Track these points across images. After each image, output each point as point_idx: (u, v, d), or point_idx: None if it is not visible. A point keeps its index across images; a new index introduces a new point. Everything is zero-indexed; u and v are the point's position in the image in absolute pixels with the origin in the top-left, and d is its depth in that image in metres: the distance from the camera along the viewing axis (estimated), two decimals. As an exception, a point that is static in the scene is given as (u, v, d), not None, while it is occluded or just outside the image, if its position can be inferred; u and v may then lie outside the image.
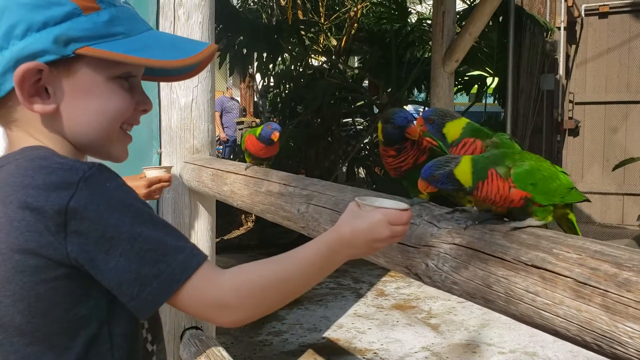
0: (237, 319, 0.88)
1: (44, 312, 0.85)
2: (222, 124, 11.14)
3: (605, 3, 7.00)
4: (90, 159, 0.99)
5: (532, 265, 0.92)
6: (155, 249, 0.84)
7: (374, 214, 0.92)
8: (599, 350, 0.85)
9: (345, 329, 4.21)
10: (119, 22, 0.91)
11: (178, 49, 0.93)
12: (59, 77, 0.90)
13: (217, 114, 11.17)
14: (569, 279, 0.86)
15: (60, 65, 0.89)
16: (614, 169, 6.64)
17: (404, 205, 0.94)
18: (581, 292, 0.84)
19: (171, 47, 0.94)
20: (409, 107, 8.53)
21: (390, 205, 0.93)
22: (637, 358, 0.78)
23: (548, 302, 0.89)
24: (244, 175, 2.05)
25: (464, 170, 1.02)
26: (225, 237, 6.93)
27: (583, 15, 7.12)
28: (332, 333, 4.13)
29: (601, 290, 0.82)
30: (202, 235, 2.65)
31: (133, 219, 0.84)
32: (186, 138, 2.59)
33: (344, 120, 7.84)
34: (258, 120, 10.51)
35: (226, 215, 6.90)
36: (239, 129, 10.46)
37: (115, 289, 0.84)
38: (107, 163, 0.94)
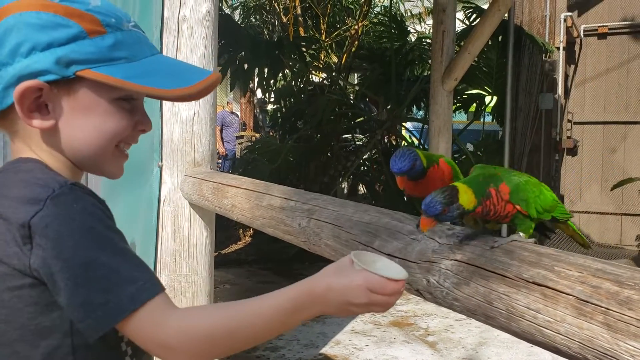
0: None
1: (8, 319, 0.87)
2: (222, 139, 11.18)
3: (604, 24, 7.07)
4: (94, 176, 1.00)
5: (533, 283, 0.92)
6: (108, 277, 0.83)
7: (355, 275, 0.85)
8: (600, 369, 0.85)
9: (342, 345, 4.18)
10: (123, 46, 0.93)
11: (178, 77, 0.95)
12: (60, 96, 0.92)
13: (218, 129, 11.21)
14: (570, 296, 0.87)
15: (61, 84, 0.91)
16: (612, 189, 6.66)
17: (399, 275, 0.86)
18: (583, 310, 0.85)
19: (171, 75, 0.95)
20: (409, 125, 8.56)
21: (382, 272, 0.86)
22: (638, 376, 0.78)
23: (549, 319, 0.89)
24: (245, 189, 2.06)
25: (467, 198, 1.05)
26: (223, 252, 6.91)
27: (582, 36, 7.18)
28: (329, 349, 4.10)
29: (603, 309, 0.83)
30: (200, 249, 2.65)
31: (91, 242, 0.84)
32: (187, 151, 2.60)
33: (344, 136, 7.87)
34: (258, 135, 10.54)
35: (224, 229, 6.89)
36: (239, 144, 10.49)
37: (65, 308, 0.85)
38: (104, 180, 0.95)
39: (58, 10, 0.90)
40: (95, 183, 2.50)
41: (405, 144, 7.99)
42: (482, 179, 1.09)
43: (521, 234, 1.10)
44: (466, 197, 1.04)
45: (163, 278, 2.58)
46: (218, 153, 10.80)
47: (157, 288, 0.87)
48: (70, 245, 0.83)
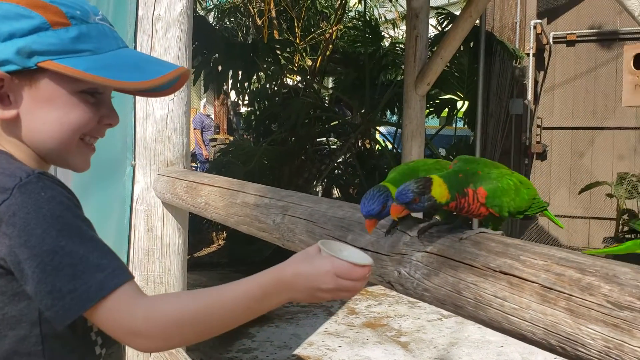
0: (149, 348, 0.88)
1: None
2: (203, 142, 11.11)
3: (573, 32, 7.24)
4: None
5: (500, 272, 0.95)
6: (76, 264, 0.84)
7: (323, 261, 0.88)
8: (563, 353, 0.88)
9: (315, 346, 4.20)
10: (87, 39, 0.93)
11: (140, 71, 0.95)
12: (22, 87, 0.92)
13: (198, 132, 11.19)
14: (535, 284, 0.90)
15: (23, 75, 0.91)
16: (579, 193, 6.82)
17: (365, 261, 0.89)
18: (547, 297, 0.88)
19: (134, 68, 0.95)
20: (382, 129, 8.63)
21: (350, 257, 0.88)
22: (597, 359, 0.81)
23: (515, 306, 0.92)
24: (219, 187, 2.06)
25: (440, 191, 1.06)
26: (196, 255, 6.87)
27: (551, 43, 7.35)
28: (302, 350, 4.11)
29: (566, 295, 0.86)
30: (174, 248, 2.64)
31: (60, 231, 0.85)
32: (161, 150, 2.59)
33: (318, 140, 7.90)
34: (232, 138, 10.50)
35: (197, 232, 6.86)
36: (212, 146, 10.45)
37: (33, 296, 0.85)
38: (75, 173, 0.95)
39: (21, 1, 0.90)
40: (66, 181, 2.48)
41: (379, 147, 8.06)
42: (461, 176, 1.10)
43: (488, 229, 1.11)
44: (439, 191, 1.05)
45: (135, 278, 2.56)
46: (206, 159, 10.72)
47: (125, 275, 0.87)
48: (38, 233, 0.83)
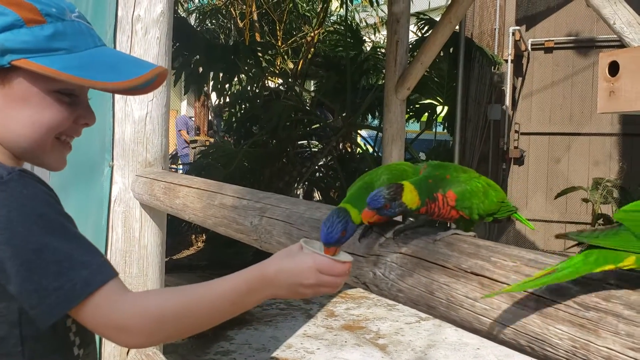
0: (135, 343, 0.88)
1: None
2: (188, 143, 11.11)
3: (551, 39, 7.35)
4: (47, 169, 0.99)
5: (471, 273, 0.97)
6: (60, 261, 0.83)
7: (305, 258, 0.90)
8: (532, 353, 0.90)
9: (294, 349, 4.20)
10: (63, 37, 0.91)
11: (117, 71, 0.94)
12: None
13: (184, 132, 11.15)
14: (505, 284, 0.92)
15: None
16: (556, 197, 6.92)
17: (346, 257, 0.92)
18: (516, 297, 0.90)
19: (110, 68, 0.94)
20: (363, 132, 8.67)
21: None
22: (565, 358, 0.83)
23: (486, 307, 0.94)
24: (197, 188, 2.06)
25: (410, 197, 1.07)
26: (175, 257, 6.82)
27: (529, 50, 7.45)
28: (280, 353, 4.11)
29: (535, 296, 0.88)
30: (152, 249, 2.62)
31: (43, 228, 0.84)
32: (139, 151, 2.58)
33: (299, 142, 7.91)
34: (212, 140, 10.46)
35: (176, 235, 6.81)
36: (192, 148, 10.40)
37: (17, 295, 0.84)
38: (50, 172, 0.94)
39: None
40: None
41: (360, 151, 8.09)
42: (431, 181, 1.12)
43: (461, 231, 1.13)
44: (410, 197, 1.07)
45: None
46: (189, 159, 10.67)
47: (110, 272, 0.87)
48: (22, 232, 0.82)
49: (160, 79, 0.98)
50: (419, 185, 1.10)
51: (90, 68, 0.91)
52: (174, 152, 10.93)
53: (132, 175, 2.57)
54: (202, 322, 0.90)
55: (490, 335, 0.95)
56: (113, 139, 2.60)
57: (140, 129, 2.56)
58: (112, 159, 2.63)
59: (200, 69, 6.65)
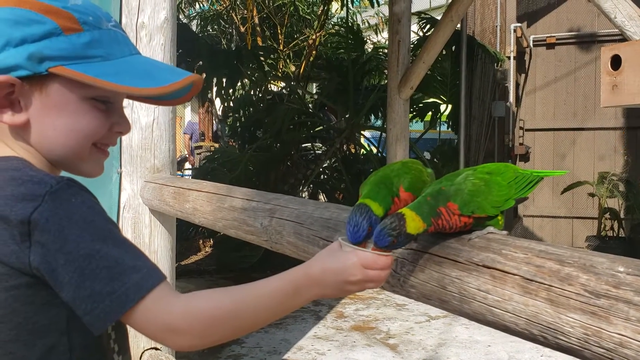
0: (188, 345, 0.89)
1: (3, 319, 0.86)
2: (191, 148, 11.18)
3: (552, 34, 7.35)
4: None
5: (483, 266, 0.98)
6: (112, 266, 0.84)
7: (348, 255, 0.91)
8: (544, 342, 0.91)
9: (305, 350, 4.21)
10: (99, 45, 0.93)
11: (151, 78, 0.94)
12: (32, 92, 0.91)
13: (187, 136, 11.21)
14: (516, 276, 0.93)
15: (34, 81, 0.91)
16: (562, 193, 6.91)
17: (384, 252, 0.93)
18: (528, 288, 0.91)
19: (145, 74, 0.95)
20: (367, 133, 8.69)
21: (371, 249, 0.93)
22: (577, 346, 0.84)
23: (498, 299, 0.95)
24: (206, 192, 2.08)
25: (414, 225, 1.03)
26: (183, 263, 6.85)
27: (531, 46, 7.45)
28: (292, 355, 4.12)
29: (546, 285, 0.89)
30: (162, 255, 2.65)
31: (93, 235, 0.85)
32: (147, 158, 2.60)
33: (303, 145, 7.93)
34: (217, 145, 10.50)
35: (184, 240, 6.84)
36: (197, 154, 10.44)
37: (71, 302, 0.85)
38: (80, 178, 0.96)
39: (34, 6, 0.90)
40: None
41: (365, 152, 8.10)
42: (430, 199, 1.07)
43: (492, 228, 1.08)
44: (414, 225, 1.03)
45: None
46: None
47: (160, 275, 0.88)
48: (73, 239, 0.83)
49: (195, 87, 0.99)
50: (419, 209, 1.05)
51: (125, 75, 0.92)
52: (184, 155, 11.01)
53: (141, 181, 2.59)
54: (251, 323, 0.91)
55: (503, 326, 0.96)
56: (121, 146, 2.63)
57: (147, 135, 2.59)
58: (120, 165, 2.65)
59: (204, 75, 6.68)
